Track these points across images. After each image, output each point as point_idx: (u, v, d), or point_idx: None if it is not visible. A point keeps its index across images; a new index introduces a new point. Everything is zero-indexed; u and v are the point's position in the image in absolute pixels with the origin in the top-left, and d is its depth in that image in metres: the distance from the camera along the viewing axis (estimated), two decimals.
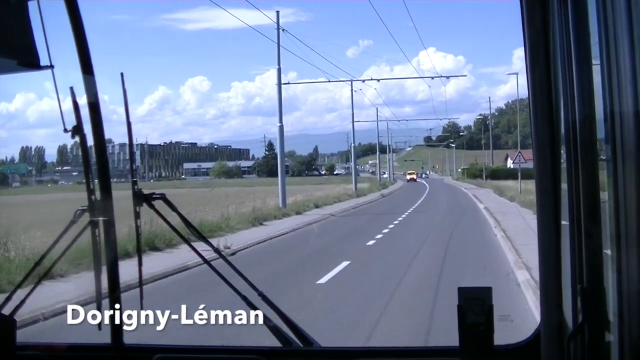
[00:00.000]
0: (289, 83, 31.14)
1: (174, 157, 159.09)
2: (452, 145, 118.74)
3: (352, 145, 50.95)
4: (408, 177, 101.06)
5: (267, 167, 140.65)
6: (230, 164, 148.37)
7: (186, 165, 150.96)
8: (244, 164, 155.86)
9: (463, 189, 61.50)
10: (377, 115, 71.37)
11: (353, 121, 50.64)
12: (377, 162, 79.89)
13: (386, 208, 35.02)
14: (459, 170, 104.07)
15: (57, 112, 2.20)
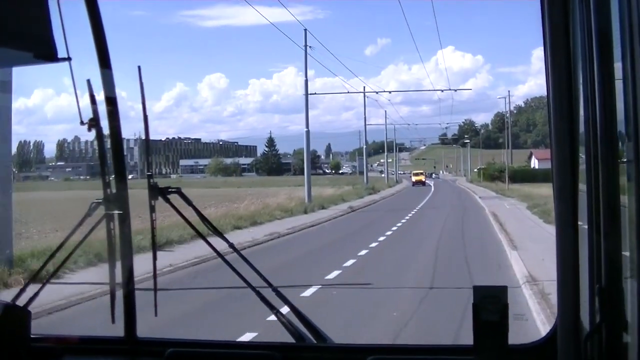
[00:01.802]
0: None
1: (175, 153, 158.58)
2: (467, 142, 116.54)
3: (306, 130, 38.28)
4: (414, 178, 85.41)
5: (266, 165, 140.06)
6: (228, 160, 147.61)
7: (183, 162, 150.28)
8: (243, 161, 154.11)
9: (477, 199, 45.10)
10: (365, 108, 66.34)
11: (307, 102, 39.05)
12: (364, 160, 69.75)
13: (293, 257, 17.82)
14: (475, 170, 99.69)
15: (75, 107, 2.33)
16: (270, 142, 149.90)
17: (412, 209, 36.55)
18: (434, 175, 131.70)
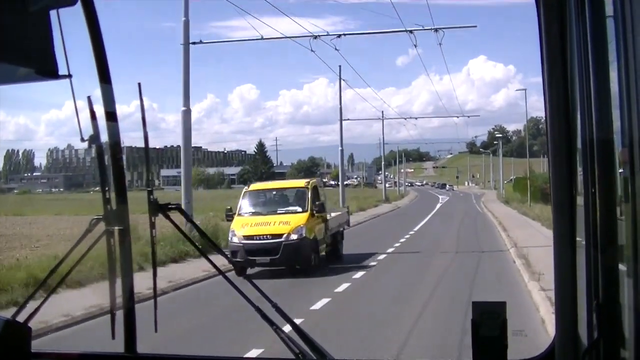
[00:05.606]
0: None
1: (170, 163, 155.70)
2: (496, 143, 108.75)
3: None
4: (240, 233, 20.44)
5: (256, 175, 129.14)
6: (211, 170, 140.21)
7: (164, 173, 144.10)
8: (230, 170, 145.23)
9: None
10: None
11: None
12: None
13: None
14: (507, 182, 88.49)
15: (83, 123, 2.60)
16: (260, 147, 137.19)
17: None
18: (447, 186, 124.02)
